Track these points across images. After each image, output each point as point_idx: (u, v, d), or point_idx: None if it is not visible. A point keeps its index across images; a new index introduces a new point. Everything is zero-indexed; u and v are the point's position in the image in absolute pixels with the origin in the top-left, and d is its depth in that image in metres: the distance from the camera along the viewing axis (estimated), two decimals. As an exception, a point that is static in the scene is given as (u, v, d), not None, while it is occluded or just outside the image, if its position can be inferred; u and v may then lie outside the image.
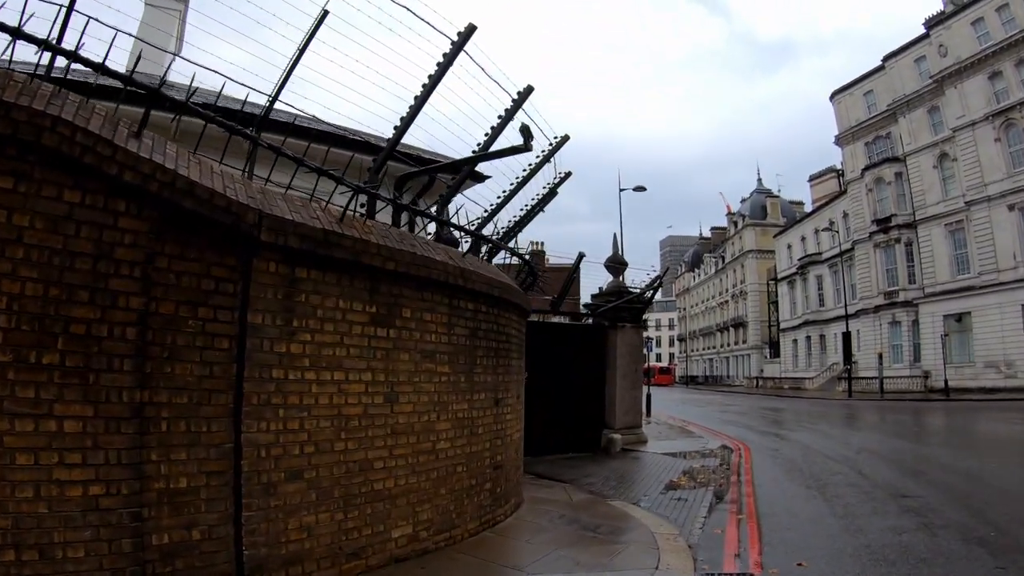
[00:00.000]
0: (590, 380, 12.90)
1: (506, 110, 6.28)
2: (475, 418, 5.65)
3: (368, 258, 4.46)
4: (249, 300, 3.85)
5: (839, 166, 47.29)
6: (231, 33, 4.82)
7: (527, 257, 9.40)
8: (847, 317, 38.11)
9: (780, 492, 8.00)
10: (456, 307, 5.42)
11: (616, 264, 14.80)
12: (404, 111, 5.48)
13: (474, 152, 6.54)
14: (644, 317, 15.69)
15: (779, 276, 55.07)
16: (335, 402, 4.28)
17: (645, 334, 15.65)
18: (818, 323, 46.50)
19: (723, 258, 71.75)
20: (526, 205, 8.41)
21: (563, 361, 12.38)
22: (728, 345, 68.64)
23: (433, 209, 6.90)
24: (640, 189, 24.78)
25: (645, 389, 24.85)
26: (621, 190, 25.09)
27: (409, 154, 8.03)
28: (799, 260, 49.88)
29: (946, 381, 30.22)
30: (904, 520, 6.20)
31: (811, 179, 53.56)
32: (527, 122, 5.85)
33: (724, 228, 74.96)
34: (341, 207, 4.56)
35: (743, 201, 68.24)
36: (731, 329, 67.22)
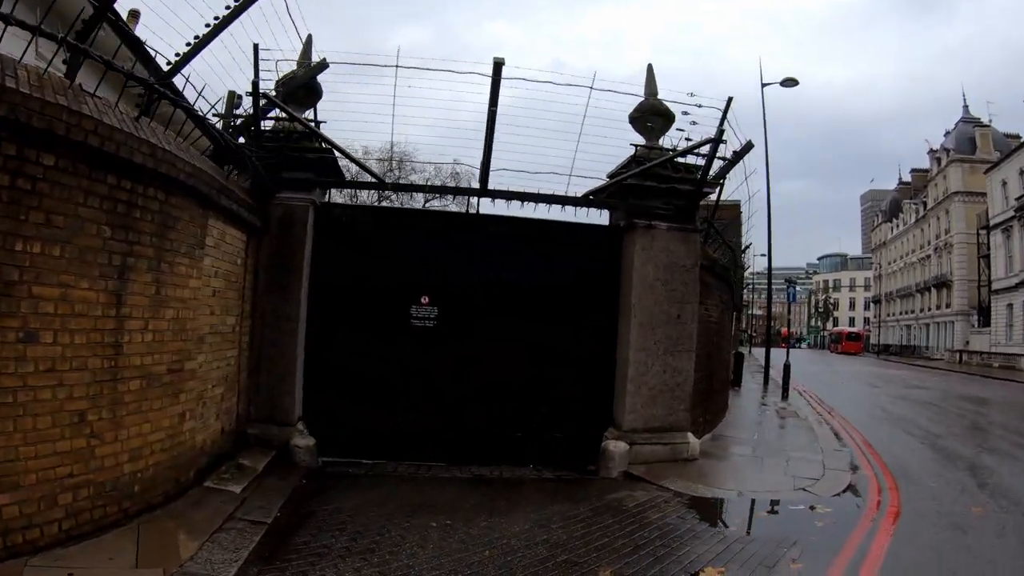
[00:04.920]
0: (584, 334, 7.48)
1: None
2: None
3: None
4: None
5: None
6: None
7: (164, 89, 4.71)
8: (1078, 271, 28.77)
9: None
10: None
11: (648, 115, 7.71)
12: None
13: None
14: (704, 215, 8.95)
15: (991, 222, 43.69)
16: None
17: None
18: (1042, 280, 36.06)
19: (924, 204, 59.41)
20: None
21: (527, 294, 7.32)
22: (928, 309, 56.85)
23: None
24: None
25: (784, 354, 18.98)
26: (764, 85, 19.86)
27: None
28: (1017, 200, 38.94)
29: None
30: None
31: (1032, 95, 41.32)
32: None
33: (926, 170, 61.90)
34: None
35: (947, 134, 55.39)
36: (932, 290, 55.52)
